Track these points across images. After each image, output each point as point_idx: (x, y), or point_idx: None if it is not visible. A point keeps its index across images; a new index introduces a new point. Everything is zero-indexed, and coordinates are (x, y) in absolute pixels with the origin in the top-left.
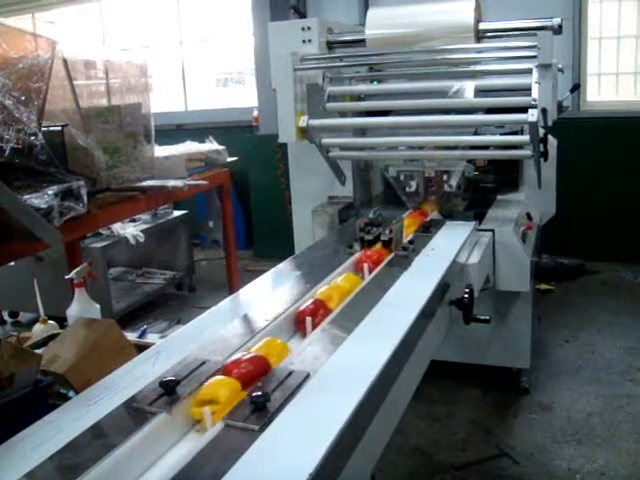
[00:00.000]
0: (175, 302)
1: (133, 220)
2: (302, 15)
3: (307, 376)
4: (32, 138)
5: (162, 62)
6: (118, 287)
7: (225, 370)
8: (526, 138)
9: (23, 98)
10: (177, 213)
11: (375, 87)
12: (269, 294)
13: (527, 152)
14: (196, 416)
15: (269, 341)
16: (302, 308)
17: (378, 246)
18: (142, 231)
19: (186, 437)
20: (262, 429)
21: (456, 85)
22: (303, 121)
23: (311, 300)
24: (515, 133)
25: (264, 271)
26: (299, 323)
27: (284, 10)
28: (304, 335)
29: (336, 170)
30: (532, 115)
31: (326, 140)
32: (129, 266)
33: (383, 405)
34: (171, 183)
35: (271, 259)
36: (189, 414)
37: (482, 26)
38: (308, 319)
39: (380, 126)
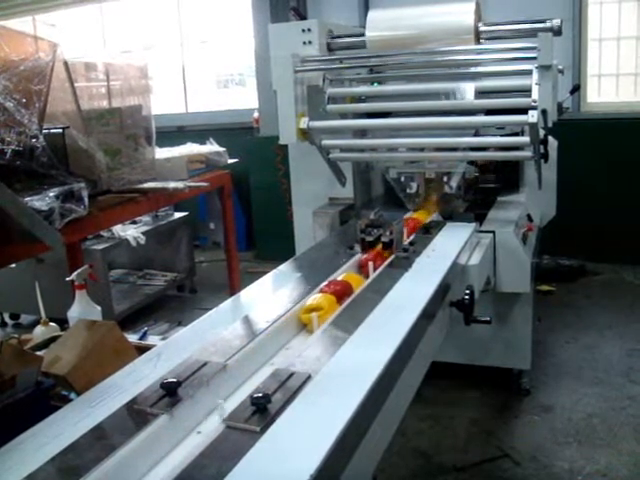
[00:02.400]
0: (176, 304)
1: (134, 222)
2: (302, 17)
3: (308, 377)
4: (33, 140)
5: (163, 64)
6: (119, 289)
7: (321, 290)
8: (526, 139)
9: (24, 100)
10: (178, 215)
11: (375, 89)
12: (270, 295)
13: (527, 153)
14: (305, 321)
15: (349, 274)
16: (365, 256)
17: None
18: (143, 233)
19: (188, 439)
20: (263, 430)
21: (457, 87)
22: (304, 123)
23: (371, 252)
24: (516, 134)
25: (265, 272)
26: (362, 267)
27: (284, 12)
28: (367, 276)
29: (337, 171)
30: (532, 116)
31: (327, 141)
32: (130, 268)
33: (384, 406)
34: (172, 185)
35: (272, 261)
36: (298, 320)
37: (482, 28)
38: (370, 263)
39: (380, 128)
